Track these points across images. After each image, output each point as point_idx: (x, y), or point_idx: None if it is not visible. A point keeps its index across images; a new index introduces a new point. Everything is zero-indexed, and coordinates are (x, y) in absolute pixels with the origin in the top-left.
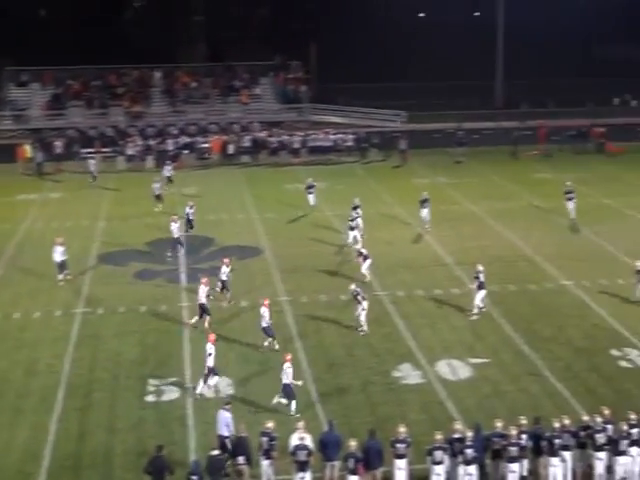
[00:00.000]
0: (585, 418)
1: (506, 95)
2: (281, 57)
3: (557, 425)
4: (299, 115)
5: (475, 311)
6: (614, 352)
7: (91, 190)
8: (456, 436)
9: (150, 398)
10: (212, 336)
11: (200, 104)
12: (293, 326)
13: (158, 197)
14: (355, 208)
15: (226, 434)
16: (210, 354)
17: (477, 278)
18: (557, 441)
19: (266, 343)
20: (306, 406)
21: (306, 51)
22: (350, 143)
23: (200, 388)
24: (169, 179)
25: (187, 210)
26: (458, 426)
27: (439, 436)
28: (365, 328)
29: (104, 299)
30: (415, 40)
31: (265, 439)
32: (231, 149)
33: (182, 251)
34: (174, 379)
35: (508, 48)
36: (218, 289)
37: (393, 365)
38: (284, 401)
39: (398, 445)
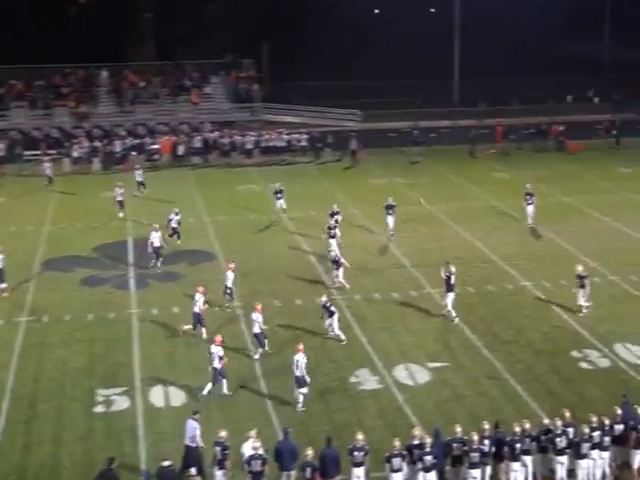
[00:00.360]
0: (546, 421)
1: (463, 93)
2: (232, 55)
3: (518, 429)
4: (251, 115)
5: (453, 314)
6: (575, 354)
7: (36, 194)
8: (415, 442)
9: (99, 409)
10: (218, 338)
11: (149, 104)
12: (245, 331)
13: (120, 203)
14: (333, 215)
15: (192, 444)
16: (221, 357)
17: (449, 278)
18: (518, 445)
19: (257, 356)
20: (260, 413)
21: (258, 49)
22: (304, 143)
23: (207, 390)
24: (141, 184)
25: (172, 217)
26: (417, 432)
27: (397, 443)
28: (343, 337)
29: (49, 307)
30: (370, 37)
31: (218, 449)
32: (181, 150)
33: (157, 262)
34: (124, 389)
35: (465, 45)
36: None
37: (350, 371)
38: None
39: (355, 453)
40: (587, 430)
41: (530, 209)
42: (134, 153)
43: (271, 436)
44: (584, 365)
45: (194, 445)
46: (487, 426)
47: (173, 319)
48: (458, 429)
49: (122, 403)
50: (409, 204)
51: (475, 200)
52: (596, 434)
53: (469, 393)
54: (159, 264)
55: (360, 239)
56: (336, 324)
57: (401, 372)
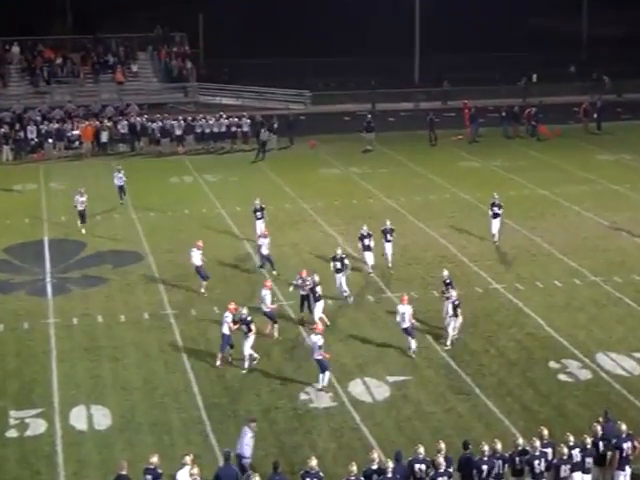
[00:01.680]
0: (521, 441)
1: (425, 72)
2: (162, 28)
3: (486, 449)
4: (185, 96)
5: (454, 333)
6: (552, 364)
7: None
8: (374, 467)
9: (11, 433)
10: (319, 326)
11: (67, 84)
12: (180, 343)
13: (82, 214)
14: (257, 211)
15: (243, 453)
16: (320, 347)
17: (449, 284)
18: (485, 467)
19: (276, 333)
20: (198, 435)
21: (192, 21)
22: (246, 129)
23: (321, 383)
24: (121, 189)
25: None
26: (375, 455)
27: (354, 467)
28: (256, 356)
29: None
30: (320, 9)
31: (149, 477)
32: (104, 137)
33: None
34: (40, 410)
35: (427, 19)
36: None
37: (299, 387)
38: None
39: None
40: (566, 450)
41: (496, 224)
42: (50, 140)
43: (210, 461)
44: (563, 377)
45: (247, 455)
46: (442, 445)
47: (97, 330)
48: (421, 450)
49: (38, 426)
50: (365, 197)
51: (440, 192)
52: (576, 453)
53: (434, 410)
54: (203, 287)
55: (313, 237)
56: (248, 345)
57: (357, 387)
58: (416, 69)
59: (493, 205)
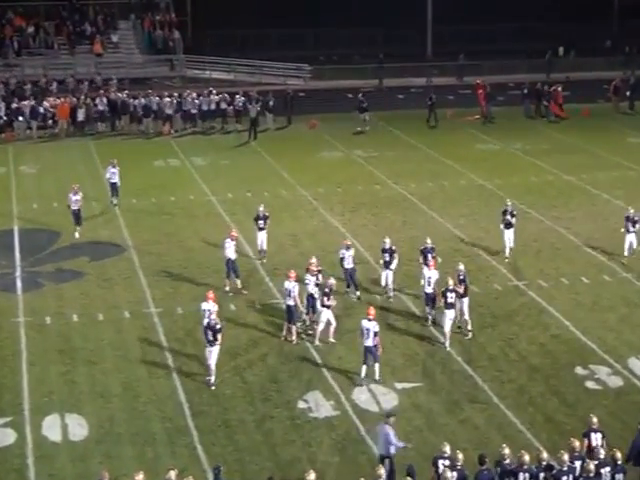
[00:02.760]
0: (545, 456)
1: (439, 44)
2: None
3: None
4: (171, 70)
5: (469, 327)
6: (579, 370)
7: None
8: None
9: None
10: (372, 310)
11: (39, 56)
12: (165, 344)
13: (76, 215)
14: (258, 219)
15: (387, 453)
16: (376, 333)
17: (463, 281)
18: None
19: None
20: (184, 448)
21: None
22: (239, 106)
23: (377, 374)
24: (113, 187)
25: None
26: (382, 470)
27: None
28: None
29: None
30: None
31: None
32: (81, 115)
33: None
34: (8, 419)
35: None
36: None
37: (298, 394)
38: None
39: None
40: (592, 467)
41: (509, 234)
42: (21, 119)
43: (198, 476)
44: (591, 385)
45: (392, 454)
46: (460, 456)
47: (72, 330)
48: (447, 448)
49: (7, 437)
50: (372, 183)
51: (455, 178)
52: (605, 472)
53: (447, 421)
54: (239, 283)
55: (312, 228)
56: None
57: (362, 395)
58: (429, 41)
59: (505, 213)
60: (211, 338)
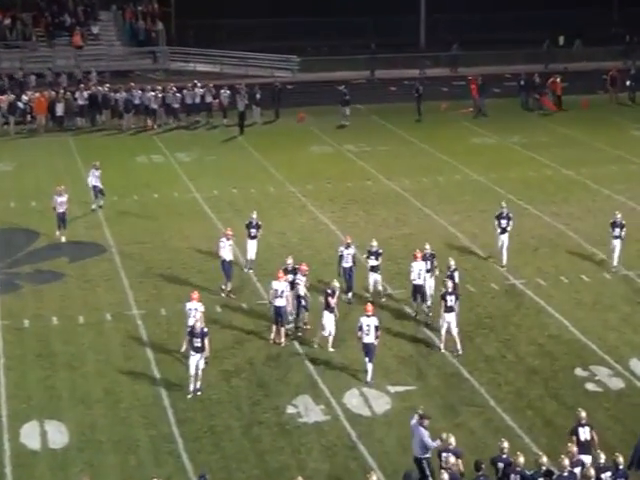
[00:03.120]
0: (544, 460)
1: (433, 34)
2: None
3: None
4: (154, 62)
5: (458, 346)
6: (579, 372)
7: None
8: None
9: None
10: (369, 306)
11: (17, 48)
12: (149, 347)
13: (61, 218)
14: (251, 227)
15: (424, 455)
16: (377, 327)
17: (451, 278)
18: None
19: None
20: (169, 455)
21: None
22: (225, 100)
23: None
24: (97, 190)
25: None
26: (375, 477)
27: None
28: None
29: None
30: None
31: None
32: (60, 109)
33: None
34: None
35: None
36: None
37: (287, 398)
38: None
39: None
40: (592, 472)
41: (503, 239)
42: None
43: None
44: (591, 386)
45: (427, 456)
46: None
47: (51, 333)
48: (452, 440)
49: None
50: (363, 179)
51: (449, 173)
52: (606, 477)
53: (442, 425)
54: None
55: (301, 225)
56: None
57: (354, 399)
58: (422, 30)
59: (501, 217)
60: (198, 345)
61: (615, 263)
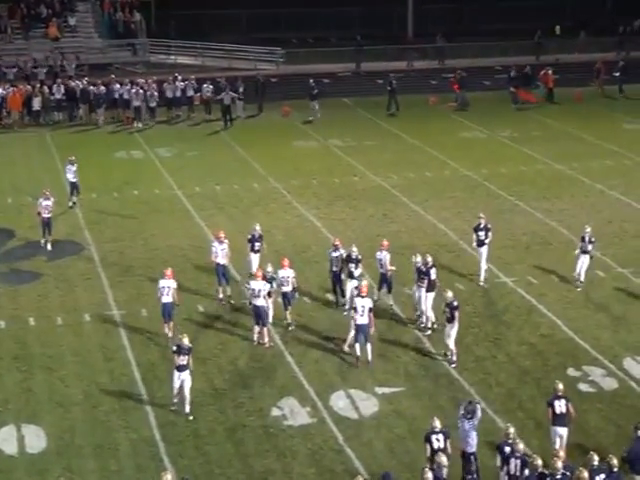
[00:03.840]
0: (538, 462)
1: (421, 25)
2: None
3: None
4: (133, 55)
5: (429, 324)
6: (571, 372)
7: None
8: None
9: None
10: (364, 287)
11: None
12: (130, 351)
13: (46, 223)
14: (254, 240)
15: (470, 450)
16: (370, 309)
17: (426, 275)
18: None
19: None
20: (150, 460)
21: None
22: (207, 94)
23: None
24: (73, 186)
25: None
26: None
27: None
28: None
29: None
30: None
31: None
32: (37, 104)
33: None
34: None
35: None
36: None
37: (272, 401)
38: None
39: None
40: (586, 474)
41: (483, 250)
42: None
43: None
44: (584, 387)
45: (474, 450)
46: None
47: (28, 335)
48: (437, 423)
49: None
50: (349, 175)
51: (438, 168)
52: (600, 478)
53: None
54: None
55: (286, 222)
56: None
57: (340, 401)
58: (409, 21)
59: (478, 229)
60: (184, 362)
61: (582, 279)
